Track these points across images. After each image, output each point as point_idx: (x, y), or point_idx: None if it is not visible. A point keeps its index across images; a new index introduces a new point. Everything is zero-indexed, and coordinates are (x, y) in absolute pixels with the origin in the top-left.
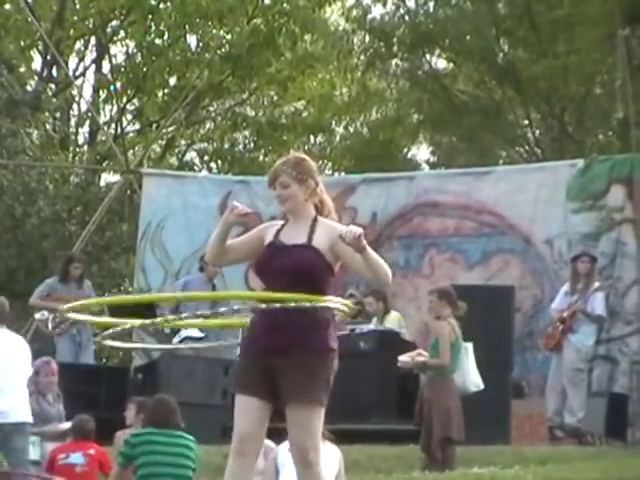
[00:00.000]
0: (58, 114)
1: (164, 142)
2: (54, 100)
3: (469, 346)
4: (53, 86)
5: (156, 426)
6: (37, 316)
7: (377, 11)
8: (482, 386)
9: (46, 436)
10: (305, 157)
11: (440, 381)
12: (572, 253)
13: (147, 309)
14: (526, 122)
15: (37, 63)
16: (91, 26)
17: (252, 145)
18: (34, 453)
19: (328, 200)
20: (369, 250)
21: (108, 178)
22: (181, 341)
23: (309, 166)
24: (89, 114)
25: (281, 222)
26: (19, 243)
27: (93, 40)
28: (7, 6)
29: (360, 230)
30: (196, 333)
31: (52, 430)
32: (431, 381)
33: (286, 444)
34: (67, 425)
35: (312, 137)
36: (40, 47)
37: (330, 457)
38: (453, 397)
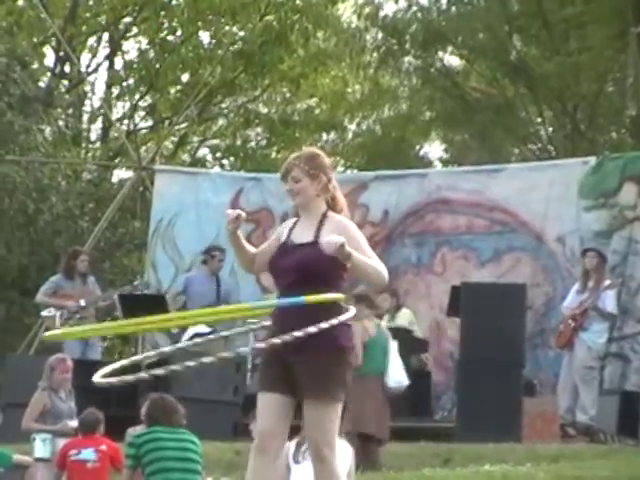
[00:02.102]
0: (71, 110)
1: (176, 139)
2: (67, 96)
3: (394, 344)
4: (66, 82)
5: (158, 425)
6: (44, 313)
7: (389, 8)
8: (405, 382)
9: (57, 433)
10: (319, 152)
11: (355, 380)
12: None
13: (158, 305)
14: (538, 120)
15: (50, 59)
16: (104, 22)
17: (264, 142)
18: (44, 451)
19: (341, 198)
20: (355, 257)
21: (120, 174)
22: (190, 338)
23: (322, 161)
24: (102, 110)
25: (294, 220)
26: (31, 240)
27: (106, 36)
28: (20, 2)
29: (341, 239)
30: (204, 329)
31: (62, 428)
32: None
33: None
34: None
35: (324, 134)
36: (53, 43)
37: (342, 454)
38: (369, 396)
